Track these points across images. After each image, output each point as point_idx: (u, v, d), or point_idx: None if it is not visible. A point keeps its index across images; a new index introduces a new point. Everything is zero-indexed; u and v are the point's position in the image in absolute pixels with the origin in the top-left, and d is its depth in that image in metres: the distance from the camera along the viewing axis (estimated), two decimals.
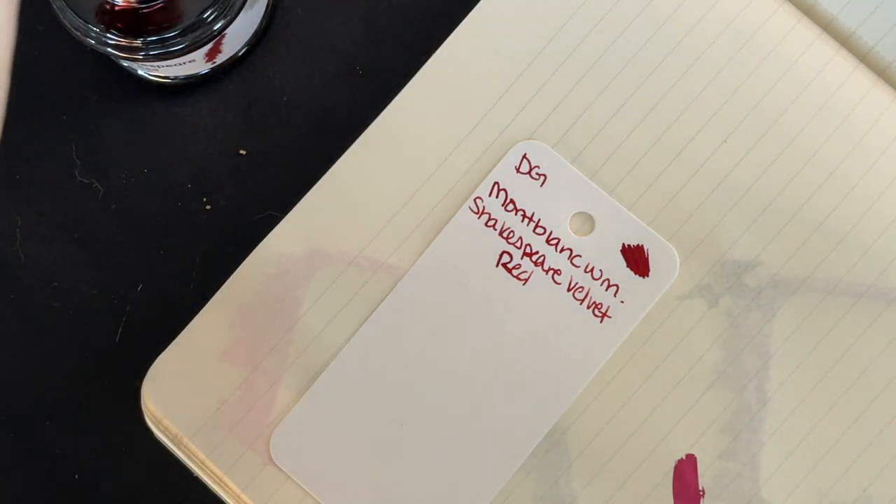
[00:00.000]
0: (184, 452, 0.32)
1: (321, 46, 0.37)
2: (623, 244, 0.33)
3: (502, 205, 0.33)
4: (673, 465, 0.32)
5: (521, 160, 0.33)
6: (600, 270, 0.32)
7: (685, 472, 0.32)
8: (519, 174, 0.33)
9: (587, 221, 0.33)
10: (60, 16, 0.32)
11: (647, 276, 0.32)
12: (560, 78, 0.33)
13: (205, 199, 0.36)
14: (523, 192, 0.33)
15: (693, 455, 0.32)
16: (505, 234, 0.33)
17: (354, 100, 0.36)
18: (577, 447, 0.32)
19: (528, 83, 0.33)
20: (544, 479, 0.32)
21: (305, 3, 0.37)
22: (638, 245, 0.32)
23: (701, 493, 0.32)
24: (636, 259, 0.32)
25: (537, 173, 0.33)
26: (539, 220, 0.33)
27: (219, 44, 0.34)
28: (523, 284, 0.32)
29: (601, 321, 0.32)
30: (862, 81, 0.33)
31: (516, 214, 0.33)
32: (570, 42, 0.33)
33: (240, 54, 0.36)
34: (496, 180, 0.33)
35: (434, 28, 0.36)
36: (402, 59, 0.36)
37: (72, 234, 0.36)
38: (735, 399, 0.32)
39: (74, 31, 0.32)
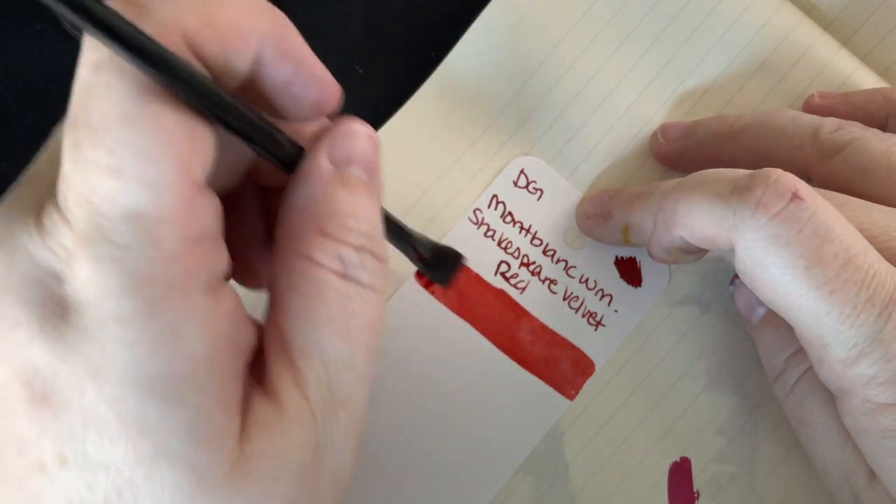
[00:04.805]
0: None
1: (321, 46, 0.37)
2: (616, 256, 0.36)
3: (501, 217, 0.36)
4: (668, 467, 0.35)
5: (519, 175, 0.36)
6: (595, 281, 0.36)
7: (680, 474, 0.35)
8: (517, 188, 0.36)
9: (582, 234, 0.36)
10: (59, 15, 0.35)
11: (640, 286, 0.36)
12: (556, 96, 0.36)
13: None
14: (521, 205, 0.36)
15: (688, 458, 0.35)
16: (503, 245, 0.36)
17: (354, 100, 0.37)
18: (573, 450, 0.35)
19: (526, 101, 0.36)
20: (542, 481, 0.35)
21: (305, 2, 0.39)
22: (630, 257, 0.36)
23: (696, 494, 0.35)
24: (629, 270, 0.36)
25: (534, 188, 0.36)
26: (536, 232, 0.36)
27: None
28: (521, 293, 0.35)
29: (596, 329, 0.35)
30: (861, 82, 0.36)
31: (514, 226, 0.36)
32: (565, 60, 0.36)
33: None
34: (495, 193, 0.36)
35: (434, 28, 0.38)
36: (402, 59, 0.38)
37: None
38: (728, 402, 0.35)
39: (73, 31, 0.34)
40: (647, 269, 0.36)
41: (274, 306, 0.22)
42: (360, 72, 0.39)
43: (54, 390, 0.19)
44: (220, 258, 0.21)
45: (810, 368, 0.30)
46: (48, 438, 0.19)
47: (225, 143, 0.22)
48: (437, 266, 0.28)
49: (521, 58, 0.36)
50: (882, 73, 0.37)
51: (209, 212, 0.20)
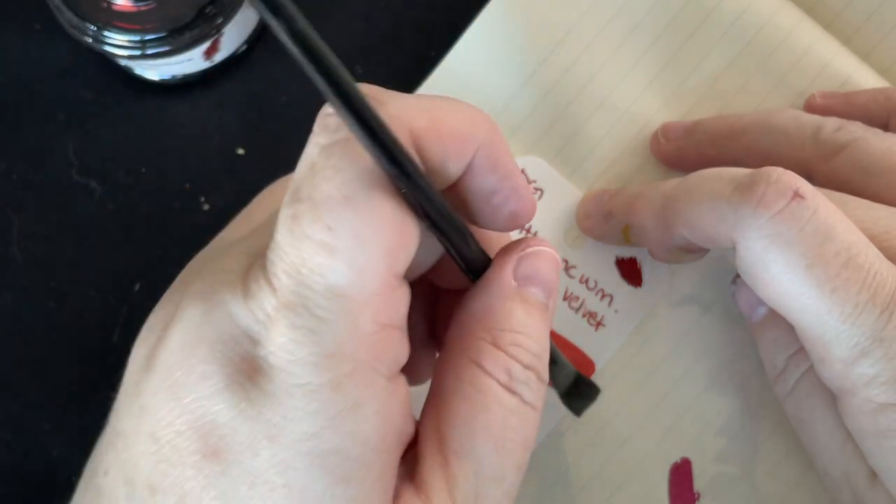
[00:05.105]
0: None
1: None
2: (616, 256, 0.36)
3: None
4: (669, 468, 0.35)
5: None
6: (595, 281, 0.36)
7: (681, 475, 0.35)
8: None
9: (582, 234, 0.36)
10: (58, 14, 0.34)
11: (640, 286, 0.36)
12: (556, 95, 0.36)
13: (202, 199, 0.38)
14: None
15: (688, 458, 0.35)
16: None
17: None
18: (574, 451, 0.35)
19: (526, 100, 0.36)
20: (543, 481, 0.35)
21: (305, 2, 0.39)
22: (631, 257, 0.36)
23: (696, 496, 0.35)
24: (629, 270, 0.36)
25: (534, 188, 0.36)
26: (536, 232, 0.36)
27: (217, 42, 0.36)
28: None
29: (596, 329, 0.36)
30: (862, 82, 0.36)
31: None
32: (565, 60, 0.36)
33: (238, 53, 0.39)
34: None
35: (433, 28, 0.39)
36: (402, 59, 0.39)
37: (69, 234, 0.38)
38: (729, 402, 0.35)
39: (72, 30, 0.34)
40: (648, 269, 0.36)
41: (435, 404, 0.23)
42: (360, 72, 0.39)
43: (228, 447, 0.19)
44: (403, 347, 0.22)
45: (811, 368, 0.30)
46: (210, 494, 0.19)
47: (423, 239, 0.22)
48: (574, 395, 0.29)
49: (520, 57, 0.36)
50: (883, 72, 0.37)
51: (402, 302, 0.21)
